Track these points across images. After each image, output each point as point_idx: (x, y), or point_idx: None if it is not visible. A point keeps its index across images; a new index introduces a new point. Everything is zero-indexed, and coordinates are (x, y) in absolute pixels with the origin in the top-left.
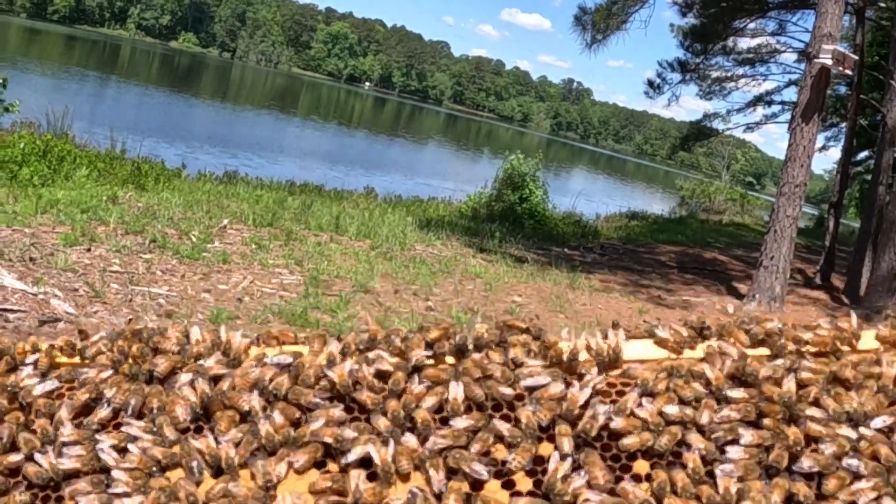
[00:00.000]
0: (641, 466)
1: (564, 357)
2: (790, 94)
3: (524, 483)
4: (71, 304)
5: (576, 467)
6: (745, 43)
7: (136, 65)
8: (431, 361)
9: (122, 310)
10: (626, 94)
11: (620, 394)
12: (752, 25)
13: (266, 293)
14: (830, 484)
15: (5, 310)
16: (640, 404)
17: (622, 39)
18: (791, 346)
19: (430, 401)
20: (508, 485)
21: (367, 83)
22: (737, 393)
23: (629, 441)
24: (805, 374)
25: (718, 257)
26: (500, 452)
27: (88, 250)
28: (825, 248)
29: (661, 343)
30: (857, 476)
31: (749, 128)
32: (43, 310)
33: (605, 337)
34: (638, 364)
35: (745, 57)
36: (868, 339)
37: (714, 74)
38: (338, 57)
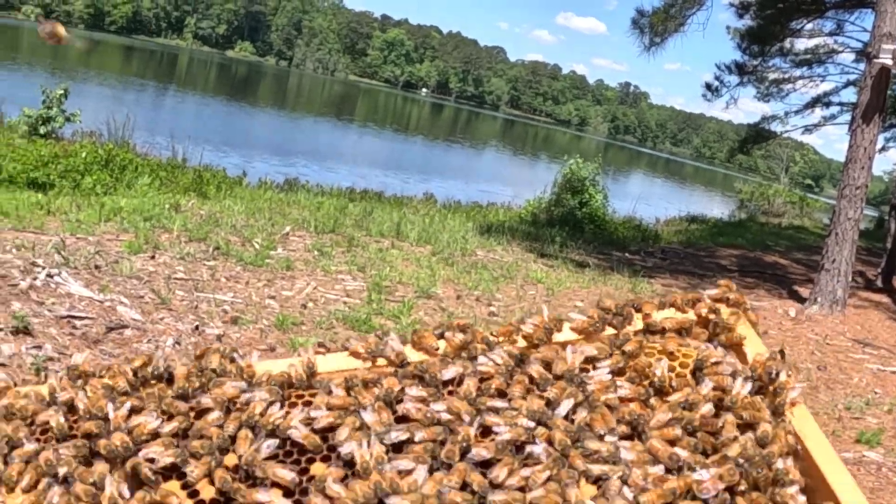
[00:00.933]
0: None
1: None
2: (848, 95)
3: None
4: (137, 310)
5: None
6: (802, 44)
7: (193, 74)
8: None
9: (187, 316)
10: (683, 97)
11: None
12: (809, 26)
13: (330, 299)
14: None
15: (73, 317)
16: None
17: (679, 42)
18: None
19: None
20: None
21: (424, 89)
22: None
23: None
24: (485, 369)
25: (779, 261)
26: None
27: (153, 258)
28: (886, 250)
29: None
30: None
31: (807, 130)
32: (110, 317)
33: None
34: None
35: (803, 58)
36: (566, 332)
37: (771, 76)
38: (394, 63)
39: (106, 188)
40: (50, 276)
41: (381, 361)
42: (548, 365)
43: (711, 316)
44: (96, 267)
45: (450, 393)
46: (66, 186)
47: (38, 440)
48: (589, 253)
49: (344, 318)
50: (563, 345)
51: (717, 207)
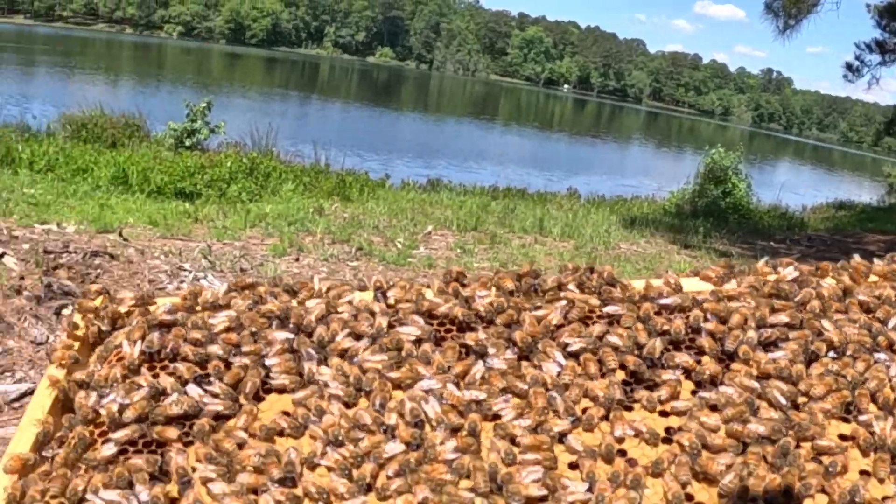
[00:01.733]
0: None
1: None
2: None
3: None
4: None
5: None
6: None
7: (335, 82)
8: None
9: None
10: (828, 81)
11: None
12: None
13: None
14: None
15: None
16: None
17: (816, 23)
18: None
19: None
20: None
21: (566, 86)
22: None
23: None
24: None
25: None
26: None
27: (297, 260)
28: None
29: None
30: None
31: None
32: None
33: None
34: None
35: None
36: None
37: None
38: (534, 61)
39: (251, 195)
40: (196, 279)
41: None
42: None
43: None
44: (241, 270)
45: None
46: (213, 195)
47: None
48: (733, 243)
49: None
50: None
51: (865, 193)
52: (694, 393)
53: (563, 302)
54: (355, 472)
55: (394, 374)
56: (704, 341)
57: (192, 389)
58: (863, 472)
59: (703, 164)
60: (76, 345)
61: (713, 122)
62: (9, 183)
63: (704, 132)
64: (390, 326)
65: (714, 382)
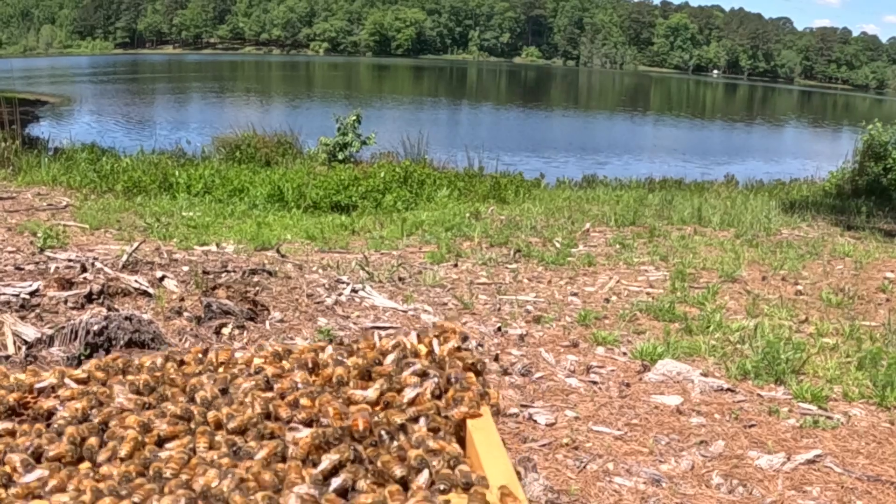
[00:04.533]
0: None
1: None
2: None
3: None
4: (441, 317)
5: None
6: None
7: (484, 85)
8: None
9: (490, 319)
10: None
11: None
12: None
13: (632, 291)
14: None
15: (378, 327)
16: None
17: None
18: None
19: None
20: None
21: (715, 71)
22: None
23: None
24: None
25: None
26: None
27: (455, 266)
28: None
29: None
30: None
31: None
32: (413, 325)
33: None
34: None
35: None
36: None
37: None
38: (681, 49)
39: (406, 204)
40: (354, 290)
41: None
42: None
43: None
44: (400, 279)
45: None
46: (368, 206)
47: None
48: None
49: (647, 309)
50: None
51: None
52: None
53: None
54: None
55: None
56: None
57: None
58: None
59: (861, 140)
60: None
61: (868, 97)
62: (168, 207)
63: (860, 107)
64: None
65: None
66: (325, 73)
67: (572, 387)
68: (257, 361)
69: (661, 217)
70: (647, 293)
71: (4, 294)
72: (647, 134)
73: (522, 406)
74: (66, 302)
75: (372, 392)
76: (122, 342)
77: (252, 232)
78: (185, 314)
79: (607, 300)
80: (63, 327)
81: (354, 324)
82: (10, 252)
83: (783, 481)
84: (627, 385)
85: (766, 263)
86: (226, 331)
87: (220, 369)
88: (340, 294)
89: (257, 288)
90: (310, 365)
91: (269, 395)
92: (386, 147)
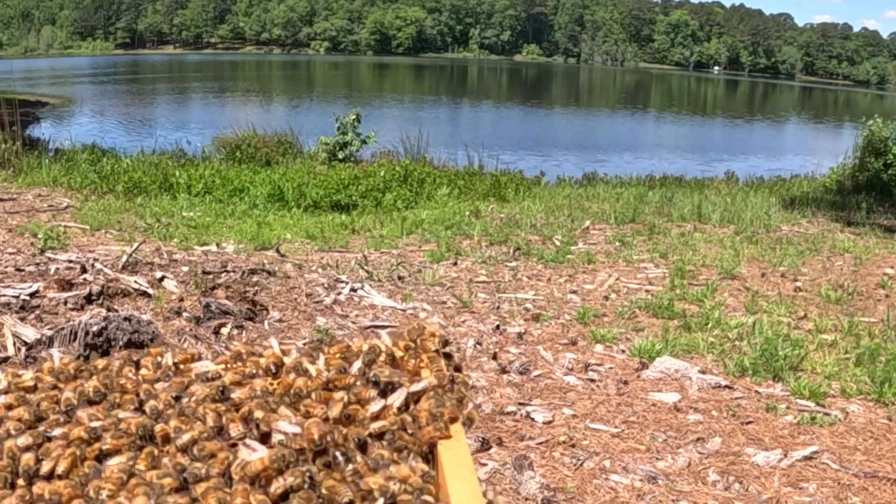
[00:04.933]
0: None
1: None
2: None
3: None
4: (439, 315)
5: None
6: None
7: (485, 83)
8: None
9: (489, 317)
10: None
11: None
12: None
13: (632, 289)
14: None
15: (376, 326)
16: None
17: None
18: None
19: None
20: None
21: (716, 67)
22: None
23: None
24: None
25: None
26: None
27: (455, 264)
28: None
29: None
30: None
31: None
32: (412, 323)
33: None
34: None
35: None
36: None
37: None
38: (682, 45)
39: (406, 202)
40: (353, 290)
41: None
42: None
43: None
44: (399, 278)
45: None
46: (368, 205)
47: None
48: None
49: (646, 306)
50: None
51: None
52: None
53: None
54: None
55: None
56: None
57: None
58: None
59: (861, 136)
60: None
61: (869, 93)
62: (168, 208)
63: (861, 103)
64: None
65: None
66: (325, 73)
67: (570, 385)
68: (212, 368)
69: (661, 214)
70: (647, 290)
71: (4, 295)
72: (648, 131)
73: (520, 404)
74: (65, 303)
75: (334, 409)
76: (121, 343)
77: (252, 232)
78: (185, 314)
79: (606, 298)
80: (63, 328)
81: (353, 323)
82: (10, 253)
83: (780, 478)
84: (625, 383)
85: (765, 260)
86: (224, 331)
87: (175, 374)
88: (339, 293)
89: (256, 288)
90: (272, 370)
91: (223, 406)
92: (386, 146)
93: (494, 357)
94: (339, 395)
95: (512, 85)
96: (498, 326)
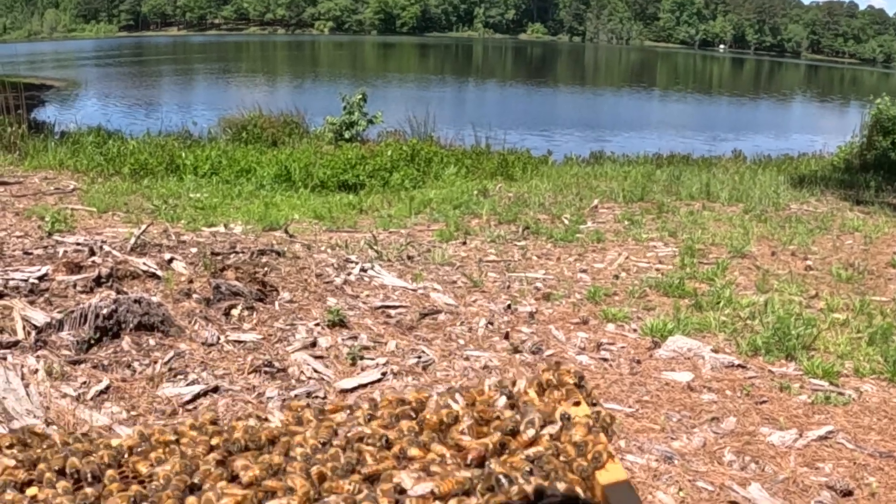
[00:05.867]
0: None
1: None
2: None
3: None
4: (450, 295)
5: None
6: None
7: (490, 62)
8: None
9: (500, 296)
10: None
11: None
12: None
13: (641, 267)
14: None
15: (387, 306)
16: None
17: None
18: None
19: None
20: None
21: (722, 46)
22: None
23: None
24: None
25: None
26: None
27: (464, 243)
28: None
29: None
30: None
31: None
32: (423, 303)
33: None
34: None
35: None
36: None
37: None
38: (687, 23)
39: (414, 182)
40: (363, 270)
41: None
42: None
43: None
44: (409, 257)
45: None
46: (376, 185)
47: None
48: None
49: (657, 285)
50: None
51: None
52: None
53: None
54: None
55: None
56: None
57: None
58: None
59: (868, 115)
60: None
61: (876, 71)
62: (175, 189)
63: (868, 81)
64: None
65: None
66: (330, 53)
67: (583, 364)
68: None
69: (670, 193)
70: (657, 269)
71: (13, 279)
72: (654, 109)
73: None
74: (74, 286)
75: (493, 437)
76: (131, 325)
77: (260, 212)
78: (195, 296)
79: (616, 277)
80: (72, 311)
81: (364, 303)
82: (18, 237)
83: (795, 458)
84: (638, 362)
85: (775, 238)
86: (235, 312)
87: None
88: (349, 273)
89: (266, 268)
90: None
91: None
92: (392, 125)
93: (506, 336)
94: (494, 424)
95: (517, 64)
96: (509, 306)
